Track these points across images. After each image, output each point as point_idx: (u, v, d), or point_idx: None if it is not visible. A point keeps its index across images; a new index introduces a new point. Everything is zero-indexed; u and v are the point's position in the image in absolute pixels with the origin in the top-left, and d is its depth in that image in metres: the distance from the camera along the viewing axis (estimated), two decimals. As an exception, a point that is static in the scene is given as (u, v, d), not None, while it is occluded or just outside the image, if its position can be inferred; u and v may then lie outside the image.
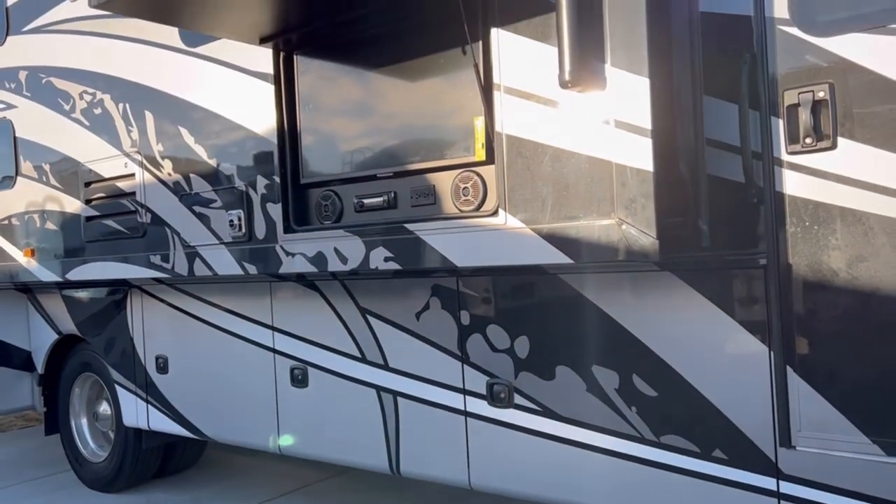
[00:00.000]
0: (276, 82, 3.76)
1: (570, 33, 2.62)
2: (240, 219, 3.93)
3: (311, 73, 3.72)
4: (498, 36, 2.94)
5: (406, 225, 3.28)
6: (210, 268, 4.12)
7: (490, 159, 3.06)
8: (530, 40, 2.85)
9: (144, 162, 4.50)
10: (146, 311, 5.09)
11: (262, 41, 3.62)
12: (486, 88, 3.00)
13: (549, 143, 2.80)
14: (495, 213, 2.99)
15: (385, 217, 3.46)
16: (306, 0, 3.28)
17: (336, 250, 3.52)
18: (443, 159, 3.24)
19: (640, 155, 2.58)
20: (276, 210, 3.80)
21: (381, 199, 3.47)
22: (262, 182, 3.86)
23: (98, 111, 4.82)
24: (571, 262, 2.75)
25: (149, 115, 4.46)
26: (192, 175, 4.22)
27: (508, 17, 2.91)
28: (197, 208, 4.19)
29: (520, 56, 2.88)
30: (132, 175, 4.59)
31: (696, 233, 2.78)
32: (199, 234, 4.18)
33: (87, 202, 4.93)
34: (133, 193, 4.58)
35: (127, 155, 4.62)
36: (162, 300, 4.94)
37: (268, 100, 3.78)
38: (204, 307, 4.69)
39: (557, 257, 2.77)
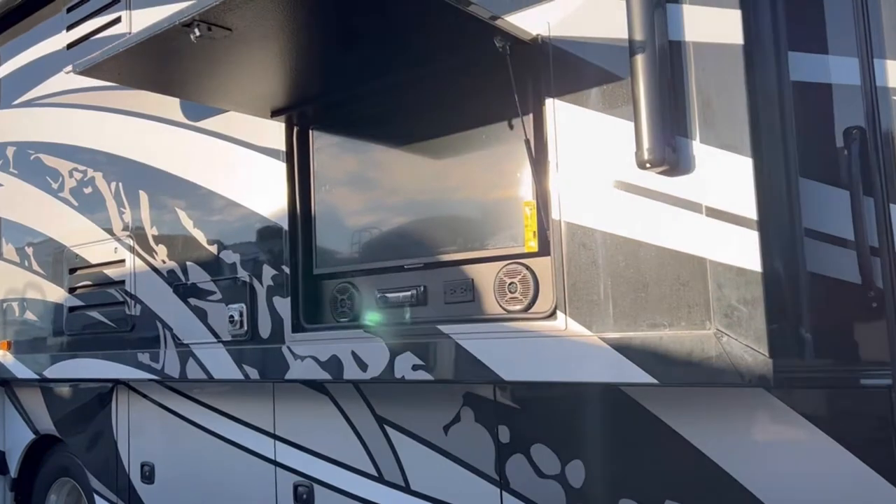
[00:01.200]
0: (289, 160, 3.32)
1: (650, 104, 2.17)
2: (241, 314, 3.42)
3: (328, 149, 3.28)
4: (554, 107, 2.50)
5: (440, 326, 2.77)
6: (205, 370, 3.58)
7: (544, 251, 2.57)
8: (595, 112, 2.40)
9: (136, 247, 4.02)
10: (133, 410, 4.51)
11: (274, 114, 3.19)
12: (539, 167, 2.54)
13: (622, 233, 2.32)
14: (552, 315, 2.49)
15: (414, 316, 2.95)
16: (325, 70, 2.85)
17: (354, 354, 2.99)
18: (484, 249, 2.75)
19: (742, 250, 2.09)
20: (283, 305, 3.29)
21: (408, 293, 2.97)
22: (268, 272, 3.36)
23: (88, 190, 4.37)
24: (655, 382, 2.22)
25: (143, 195, 4.00)
26: (188, 263, 3.73)
27: (567, 85, 2.47)
28: (192, 301, 3.68)
29: (581, 130, 2.43)
30: (122, 261, 4.10)
31: (797, 343, 2.27)
32: (193, 330, 3.65)
33: (72, 291, 4.42)
34: (122, 282, 4.08)
35: (117, 239, 4.14)
36: (151, 399, 4.37)
37: (278, 179, 3.33)
38: (197, 409, 4.11)
39: (636, 376, 2.25)
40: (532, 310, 2.62)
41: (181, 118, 3.81)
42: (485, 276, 2.77)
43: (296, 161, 3.32)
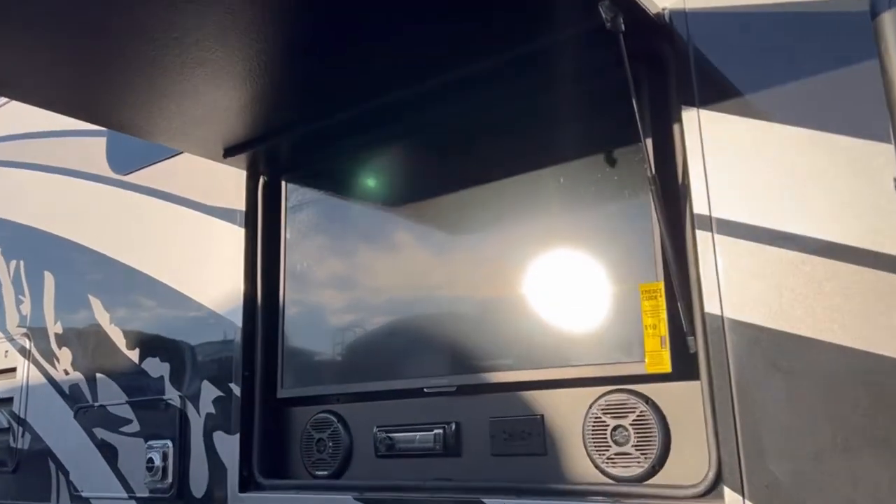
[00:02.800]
0: (249, 224, 2.24)
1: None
2: (165, 457, 2.25)
3: (308, 208, 2.20)
4: (699, 123, 1.46)
5: (485, 499, 1.62)
6: (108, 541, 2.37)
7: (684, 371, 1.47)
8: (788, 128, 1.36)
9: (33, 350, 2.87)
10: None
11: (229, 154, 2.12)
12: (674, 225, 1.47)
13: (865, 346, 1.22)
14: (710, 493, 1.36)
15: (437, 471, 1.80)
16: (307, 78, 1.79)
17: (338, 537, 1.82)
18: (565, 366, 1.63)
19: None
20: (229, 445, 2.13)
21: (429, 434, 1.83)
22: (209, 393, 2.22)
23: (-18, 272, 3.25)
24: None
25: (49, 278, 2.89)
26: (98, 375, 2.58)
27: (725, 85, 1.44)
28: (100, 433, 2.52)
29: (761, 159, 1.38)
30: (12, 370, 2.94)
31: None
32: (97, 476, 2.48)
33: (-53, 409, 3.21)
34: (9, 400, 2.91)
35: (10, 339, 2.99)
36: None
37: (233, 253, 2.24)
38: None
39: None
40: (660, 478, 1.49)
41: (106, 171, 2.75)
42: (566, 412, 1.64)
43: (259, 226, 2.24)
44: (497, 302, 1.78)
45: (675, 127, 1.51)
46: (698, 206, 1.43)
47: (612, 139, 1.62)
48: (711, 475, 1.36)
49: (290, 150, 2.15)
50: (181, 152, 2.41)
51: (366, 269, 2.06)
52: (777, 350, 1.31)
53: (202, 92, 1.77)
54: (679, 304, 1.45)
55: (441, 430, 1.82)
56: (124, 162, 2.68)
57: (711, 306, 1.38)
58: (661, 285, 1.50)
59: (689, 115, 1.47)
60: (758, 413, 1.31)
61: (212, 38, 1.53)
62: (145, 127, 1.95)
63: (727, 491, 1.32)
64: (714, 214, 1.41)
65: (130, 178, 2.65)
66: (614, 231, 1.60)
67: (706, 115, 1.45)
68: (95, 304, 2.66)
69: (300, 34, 1.58)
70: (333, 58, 1.68)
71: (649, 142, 1.52)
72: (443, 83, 1.73)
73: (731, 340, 1.35)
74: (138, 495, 2.32)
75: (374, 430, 1.94)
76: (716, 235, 1.40)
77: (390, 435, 1.90)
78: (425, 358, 1.88)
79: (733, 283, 1.37)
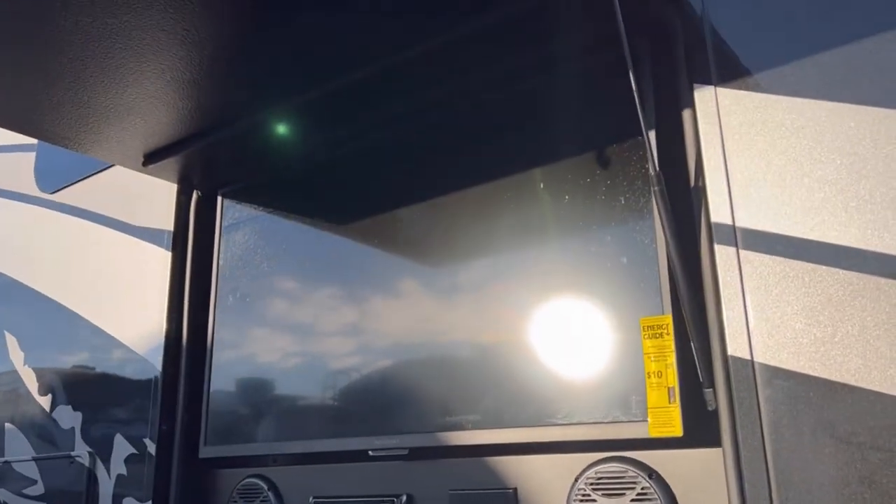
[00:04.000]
0: (177, 247, 1.88)
1: None
2: (67, 528, 1.87)
3: (245, 228, 1.85)
4: (717, 105, 1.11)
5: None
6: None
7: (700, 435, 1.09)
8: (843, 107, 1.01)
9: (-57, 394, 2.49)
10: None
11: (150, 160, 1.77)
12: (685, 240, 1.12)
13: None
14: None
15: (383, 561, 1.42)
16: (249, 53, 1.46)
17: None
18: (543, 424, 1.26)
19: None
20: (140, 515, 1.75)
21: (374, 509, 1.45)
22: (121, 449, 1.84)
23: None
24: None
25: (-34, 312, 2.53)
26: (6, 426, 2.20)
27: (756, 59, 1.10)
28: (1, 494, 2.12)
29: (807, 151, 1.03)
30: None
31: None
32: (-7, 548, 2.08)
33: None
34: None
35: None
36: None
37: (158, 281, 1.88)
38: None
39: None
40: (668, 580, 1.10)
41: (33, 190, 2.41)
42: (546, 486, 1.26)
43: (190, 249, 1.88)
44: (460, 343, 1.41)
45: (686, 113, 1.16)
46: (717, 212, 1.07)
47: (604, 132, 1.28)
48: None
49: (228, 158, 1.81)
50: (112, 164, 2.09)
51: (312, 303, 1.70)
52: (831, 408, 0.94)
53: (103, 74, 1.43)
54: (693, 346, 1.08)
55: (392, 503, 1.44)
56: (53, 178, 2.35)
57: (737, 348, 1.02)
58: (669, 319, 1.14)
59: (704, 97, 1.13)
60: (804, 492, 0.93)
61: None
62: (27, 119, 1.59)
63: None
64: (739, 223, 1.05)
65: (57, 197, 2.32)
66: (606, 249, 1.25)
67: (726, 95, 1.11)
68: (11, 342, 2.30)
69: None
70: (280, 29, 1.35)
71: (652, 133, 1.18)
72: (396, 66, 1.39)
73: (766, 395, 0.98)
74: (36, 573, 1.93)
75: (311, 501, 1.56)
76: (741, 251, 1.05)
77: (329, 508, 1.52)
78: (373, 413, 1.50)
79: (767, 317, 1.00)
